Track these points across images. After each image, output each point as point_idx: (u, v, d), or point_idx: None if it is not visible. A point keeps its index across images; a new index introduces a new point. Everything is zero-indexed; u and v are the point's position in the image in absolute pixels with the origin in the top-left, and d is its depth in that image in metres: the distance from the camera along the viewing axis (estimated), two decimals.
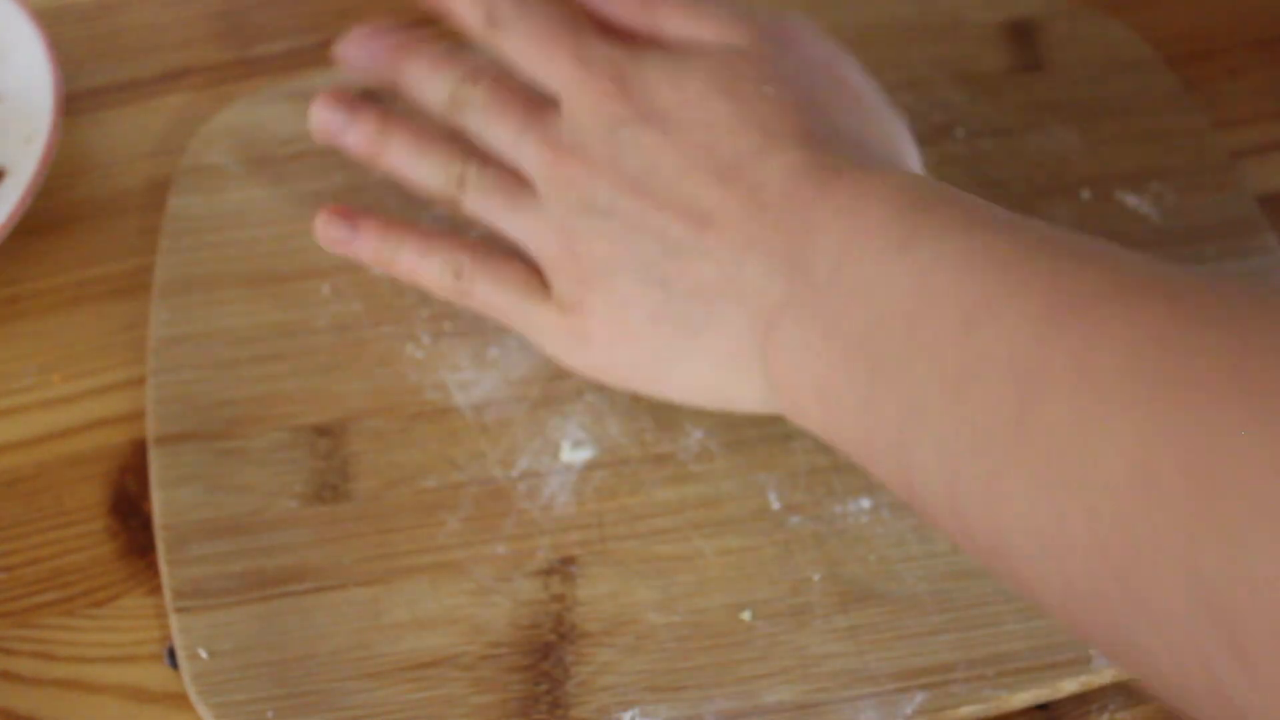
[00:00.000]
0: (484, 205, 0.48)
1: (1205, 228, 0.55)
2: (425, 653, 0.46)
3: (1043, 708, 0.45)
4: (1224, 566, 0.29)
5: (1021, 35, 0.61)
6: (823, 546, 0.48)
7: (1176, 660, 0.31)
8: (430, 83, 0.50)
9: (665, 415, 0.50)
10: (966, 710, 0.44)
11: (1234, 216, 0.55)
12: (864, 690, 0.45)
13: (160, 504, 0.49)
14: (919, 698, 0.44)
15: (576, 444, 0.50)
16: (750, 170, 0.44)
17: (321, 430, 0.50)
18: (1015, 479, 0.34)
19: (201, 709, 0.45)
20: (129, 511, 0.50)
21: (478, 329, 0.53)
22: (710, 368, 0.45)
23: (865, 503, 0.48)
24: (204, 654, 0.46)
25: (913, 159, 0.48)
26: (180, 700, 0.46)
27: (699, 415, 0.50)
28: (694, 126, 0.45)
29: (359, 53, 0.52)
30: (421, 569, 0.47)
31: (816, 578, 0.47)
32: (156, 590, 0.48)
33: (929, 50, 0.60)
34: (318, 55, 0.63)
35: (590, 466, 0.49)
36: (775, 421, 0.50)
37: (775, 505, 0.48)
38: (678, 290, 0.44)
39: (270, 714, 0.45)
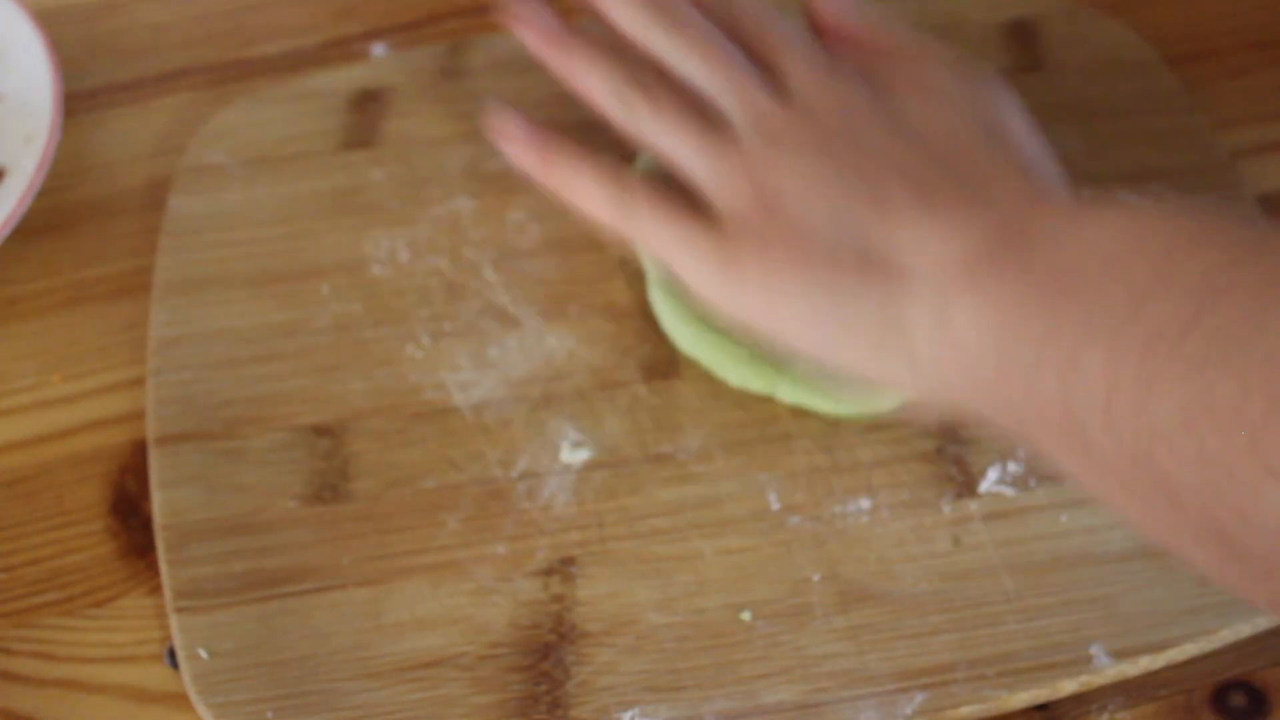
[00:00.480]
0: (660, 124, 0.48)
1: None
2: (425, 653, 0.46)
3: (1042, 708, 0.45)
4: None
5: (1021, 35, 0.61)
6: (822, 547, 0.48)
7: None
8: (629, 16, 0.50)
9: (665, 415, 0.50)
10: (966, 710, 0.44)
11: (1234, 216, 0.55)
12: (864, 690, 0.45)
13: (160, 504, 0.49)
14: (919, 698, 0.44)
15: (576, 444, 0.50)
16: (978, 162, 0.45)
17: (321, 430, 0.50)
18: (1173, 372, 0.36)
19: (201, 709, 0.45)
20: (129, 511, 0.50)
21: (477, 329, 0.53)
22: (870, 319, 0.43)
23: (865, 503, 0.48)
24: (204, 654, 0.46)
25: None
26: (180, 700, 0.46)
27: (699, 415, 0.50)
28: (936, 114, 0.46)
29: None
30: (421, 569, 0.47)
31: (816, 578, 0.47)
32: (156, 590, 0.48)
33: None
34: (318, 55, 0.63)
35: (590, 467, 0.49)
36: (775, 421, 0.50)
37: (775, 505, 0.48)
38: (867, 233, 0.44)
39: (270, 714, 0.45)
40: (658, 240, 0.47)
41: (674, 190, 0.47)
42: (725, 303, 0.46)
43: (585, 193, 0.49)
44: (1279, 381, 0.34)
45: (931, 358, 0.42)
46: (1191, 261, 0.37)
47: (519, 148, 0.50)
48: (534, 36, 0.51)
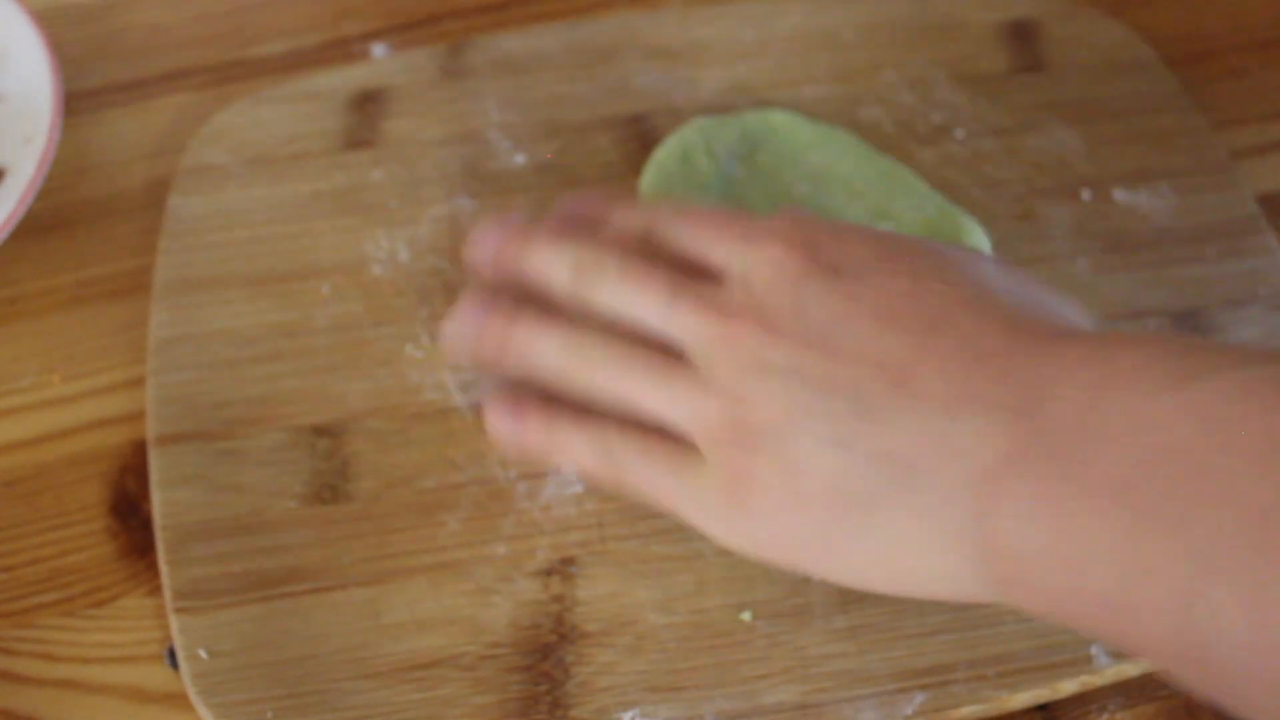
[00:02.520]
0: (623, 381, 0.44)
1: (1205, 228, 0.54)
2: (425, 653, 0.46)
3: (1042, 708, 0.45)
4: None
5: (1021, 35, 0.61)
6: None
7: None
8: (554, 259, 0.45)
9: None
10: (966, 710, 0.44)
11: (1234, 216, 0.55)
12: (864, 690, 0.45)
13: (160, 504, 0.49)
14: (919, 698, 0.44)
15: None
16: (962, 321, 0.40)
17: (321, 430, 0.50)
18: None
19: (201, 709, 0.45)
20: (129, 512, 0.50)
21: None
22: (894, 544, 0.40)
23: None
24: (204, 654, 0.46)
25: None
26: (180, 700, 0.46)
27: None
28: (894, 276, 0.41)
29: (483, 253, 0.47)
30: (421, 569, 0.47)
31: (816, 578, 0.47)
32: (156, 590, 0.48)
33: (929, 50, 0.60)
34: (318, 55, 0.63)
35: None
36: None
37: None
38: (862, 453, 0.39)
39: (270, 714, 0.45)
40: (652, 487, 0.43)
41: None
42: (736, 541, 0.43)
43: (567, 448, 0.45)
44: None
45: (980, 566, 0.39)
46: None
47: (495, 418, 0.46)
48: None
